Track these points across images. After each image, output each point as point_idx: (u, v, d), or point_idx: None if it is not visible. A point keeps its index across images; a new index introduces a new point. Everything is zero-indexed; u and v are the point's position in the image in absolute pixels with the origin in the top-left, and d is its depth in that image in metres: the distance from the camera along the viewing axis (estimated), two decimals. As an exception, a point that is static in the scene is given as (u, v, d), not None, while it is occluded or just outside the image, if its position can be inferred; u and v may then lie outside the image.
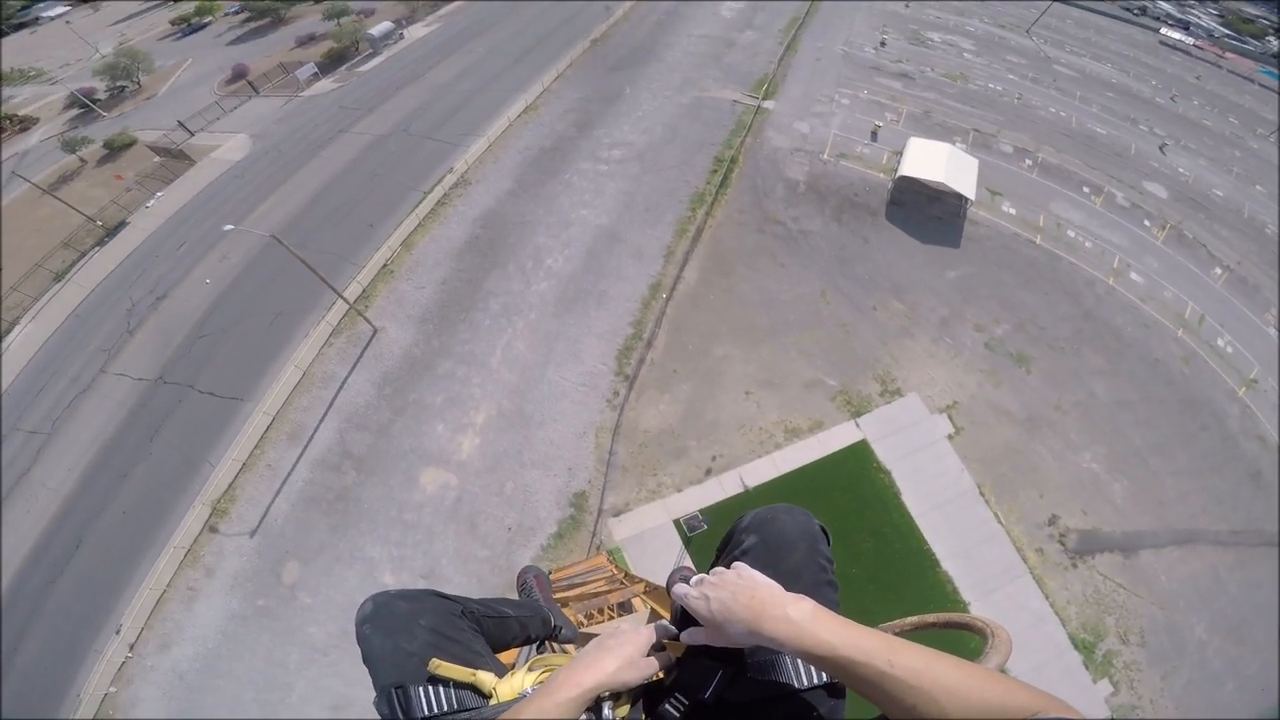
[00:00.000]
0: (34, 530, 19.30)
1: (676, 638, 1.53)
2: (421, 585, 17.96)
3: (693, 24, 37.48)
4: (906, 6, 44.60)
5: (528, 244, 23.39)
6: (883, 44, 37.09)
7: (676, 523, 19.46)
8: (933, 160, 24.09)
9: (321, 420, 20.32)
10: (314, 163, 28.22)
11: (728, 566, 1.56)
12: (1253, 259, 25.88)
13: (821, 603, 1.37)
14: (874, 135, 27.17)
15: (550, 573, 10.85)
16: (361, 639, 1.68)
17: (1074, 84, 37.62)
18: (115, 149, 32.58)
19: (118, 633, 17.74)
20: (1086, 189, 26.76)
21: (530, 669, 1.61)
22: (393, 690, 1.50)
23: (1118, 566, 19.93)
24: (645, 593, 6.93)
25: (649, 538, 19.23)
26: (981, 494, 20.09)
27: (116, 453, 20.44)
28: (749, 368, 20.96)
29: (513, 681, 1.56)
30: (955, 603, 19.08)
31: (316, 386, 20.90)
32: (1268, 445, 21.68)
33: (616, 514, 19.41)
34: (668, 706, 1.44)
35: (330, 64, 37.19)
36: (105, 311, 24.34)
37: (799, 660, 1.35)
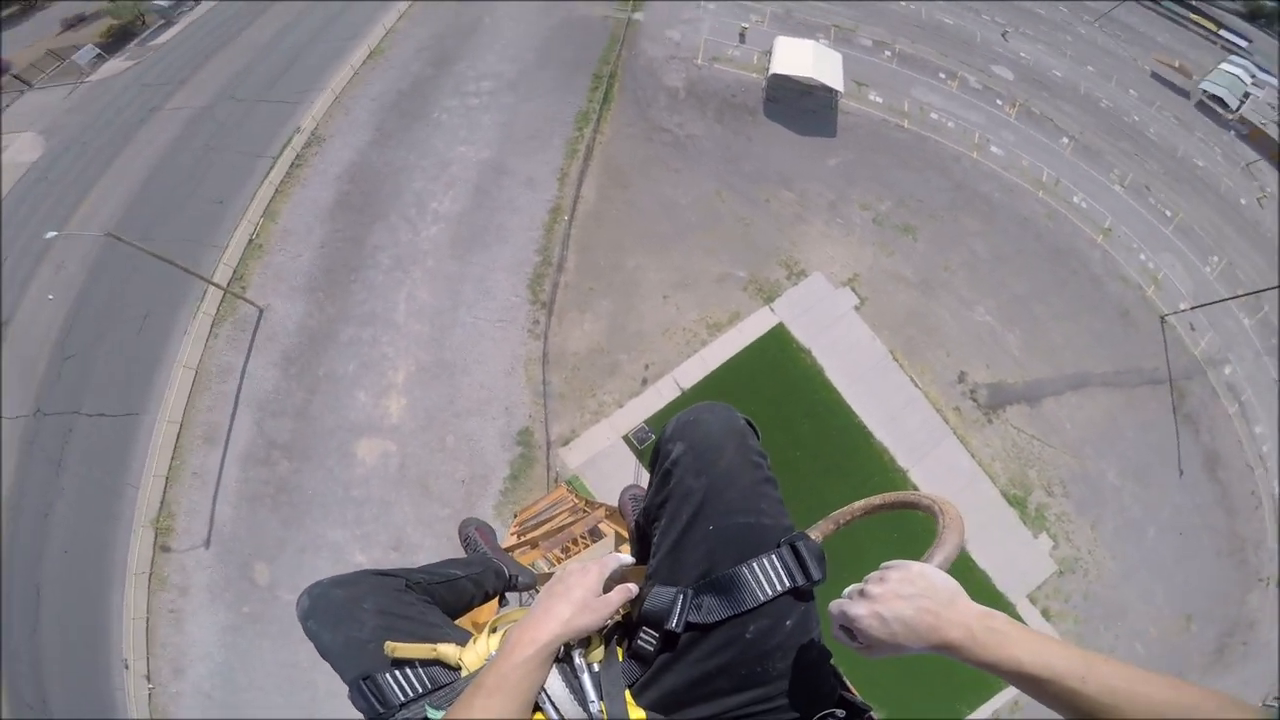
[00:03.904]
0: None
1: (635, 565, 1.55)
2: (393, 557, 19.34)
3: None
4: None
5: (405, 191, 23.84)
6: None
7: (626, 438, 21.32)
8: (800, 57, 27.16)
9: (233, 416, 20.58)
10: (130, 148, 26.42)
11: (663, 481, 1.63)
12: (1092, 129, 31.42)
13: (764, 502, 1.51)
14: (742, 37, 29.99)
15: (515, 515, 11.84)
16: (310, 635, 1.69)
17: (917, -26, 43.05)
18: None
19: (126, 667, 18.59)
20: (942, 74, 31.11)
21: (493, 630, 1.61)
22: (361, 682, 1.50)
23: (1026, 417, 24.05)
24: (607, 516, 7.22)
25: (602, 460, 21.08)
26: (895, 359, 23.64)
27: (25, 497, 20.01)
28: (662, 274, 23.17)
29: (477, 648, 1.56)
30: (894, 472, 22.30)
31: (215, 382, 20.94)
32: (1129, 285, 26.93)
33: (565, 443, 21.05)
34: (639, 642, 1.48)
35: (115, 42, 34.34)
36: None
37: (756, 569, 1.39)
